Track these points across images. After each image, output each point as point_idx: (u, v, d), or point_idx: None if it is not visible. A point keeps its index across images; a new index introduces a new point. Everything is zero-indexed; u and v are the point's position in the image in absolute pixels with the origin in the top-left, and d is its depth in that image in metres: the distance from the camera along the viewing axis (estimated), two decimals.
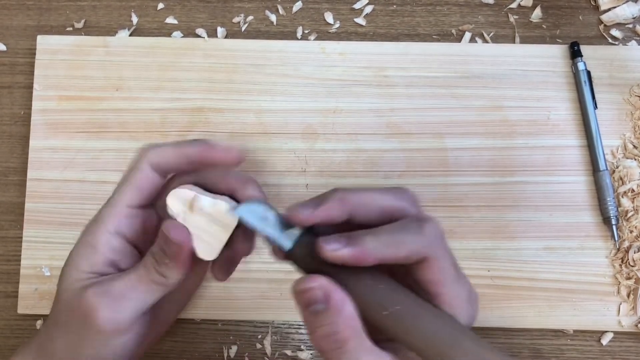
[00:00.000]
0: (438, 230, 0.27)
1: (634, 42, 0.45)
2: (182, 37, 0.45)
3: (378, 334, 0.28)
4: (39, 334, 0.33)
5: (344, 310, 0.26)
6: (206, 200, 0.29)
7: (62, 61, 0.44)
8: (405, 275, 0.28)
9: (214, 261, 0.32)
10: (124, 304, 0.29)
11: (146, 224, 0.32)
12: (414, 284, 0.27)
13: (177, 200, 0.30)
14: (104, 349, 0.30)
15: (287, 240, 0.28)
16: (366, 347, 0.26)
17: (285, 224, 0.28)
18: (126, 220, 0.31)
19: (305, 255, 0.27)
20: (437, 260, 0.26)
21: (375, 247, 0.26)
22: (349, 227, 0.27)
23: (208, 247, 0.30)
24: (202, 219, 0.29)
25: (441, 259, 0.27)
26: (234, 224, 0.30)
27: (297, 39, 0.45)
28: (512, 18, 0.46)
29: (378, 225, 0.27)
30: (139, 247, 0.32)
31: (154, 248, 0.30)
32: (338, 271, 0.27)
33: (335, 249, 0.26)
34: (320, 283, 0.26)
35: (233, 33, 0.46)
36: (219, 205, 0.29)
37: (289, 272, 0.41)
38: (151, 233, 0.32)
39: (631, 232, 0.41)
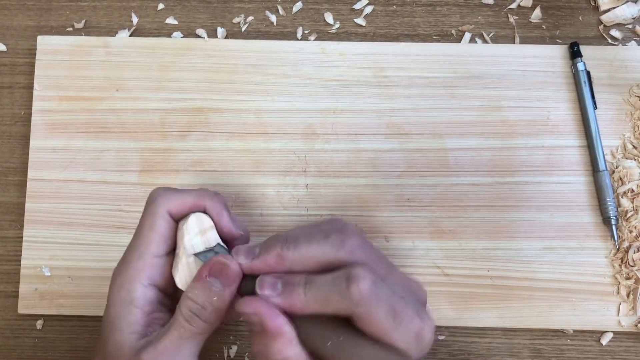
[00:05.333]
0: (367, 286, 0.27)
1: (633, 42, 0.45)
2: (182, 37, 0.45)
3: None
4: None
5: (280, 336, 0.28)
6: (214, 236, 0.32)
7: (62, 61, 0.44)
8: None
9: None
10: None
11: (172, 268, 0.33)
12: None
13: (197, 222, 0.32)
14: None
15: None
16: None
17: None
18: (156, 270, 0.32)
19: (249, 290, 0.30)
20: (367, 315, 0.27)
21: (304, 303, 0.28)
22: None
23: (184, 274, 0.32)
24: (201, 249, 0.31)
25: (370, 314, 0.27)
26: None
27: (297, 39, 0.45)
28: (511, 18, 0.46)
29: (316, 272, 0.29)
30: (167, 291, 0.33)
31: (194, 292, 0.30)
32: None
33: (268, 295, 0.28)
34: (255, 310, 0.28)
35: (233, 33, 0.46)
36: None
37: None
38: None
39: (631, 232, 0.41)
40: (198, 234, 0.31)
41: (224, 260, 0.30)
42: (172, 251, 0.33)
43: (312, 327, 0.28)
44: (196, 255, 0.31)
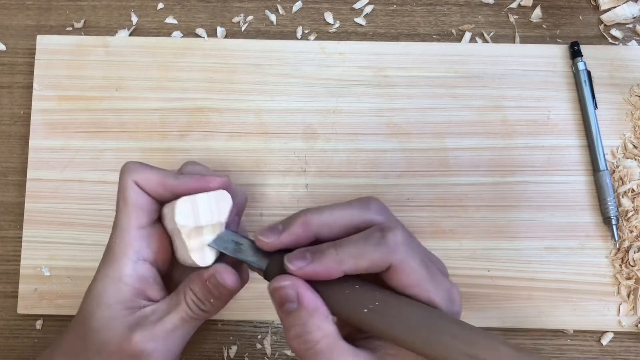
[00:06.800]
0: (401, 236, 0.27)
1: (634, 42, 0.45)
2: (181, 37, 0.45)
3: (356, 334, 0.28)
4: None
5: (316, 310, 0.27)
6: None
7: (61, 61, 0.44)
8: (383, 281, 0.28)
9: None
10: (171, 344, 0.30)
11: (161, 239, 0.32)
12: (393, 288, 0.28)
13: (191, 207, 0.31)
14: None
15: (261, 261, 0.30)
16: (340, 348, 0.27)
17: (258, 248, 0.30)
18: (143, 243, 0.31)
19: (278, 272, 0.29)
20: (403, 265, 0.27)
21: (338, 261, 0.27)
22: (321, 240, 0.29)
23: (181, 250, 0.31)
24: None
25: (407, 263, 0.27)
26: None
27: (297, 38, 0.45)
28: (512, 18, 0.46)
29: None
30: (158, 266, 0.32)
31: (195, 287, 0.30)
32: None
33: (300, 267, 0.27)
34: (293, 282, 0.27)
35: (233, 33, 0.45)
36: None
37: None
38: (166, 248, 0.32)
39: (631, 232, 0.41)
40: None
41: (221, 281, 0.30)
42: (155, 222, 0.32)
43: (343, 297, 0.27)
44: (210, 245, 0.30)
